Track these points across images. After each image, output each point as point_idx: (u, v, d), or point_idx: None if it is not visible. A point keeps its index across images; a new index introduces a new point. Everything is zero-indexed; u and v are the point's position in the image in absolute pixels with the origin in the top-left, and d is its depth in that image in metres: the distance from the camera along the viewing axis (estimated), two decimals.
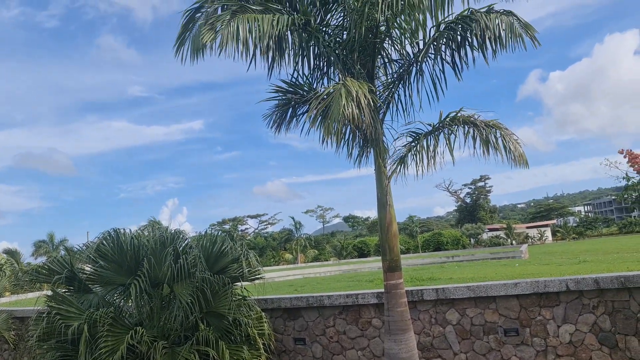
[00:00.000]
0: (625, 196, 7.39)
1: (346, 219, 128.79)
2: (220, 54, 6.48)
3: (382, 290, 8.16)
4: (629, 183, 7.13)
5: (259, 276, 9.42)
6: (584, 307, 8.20)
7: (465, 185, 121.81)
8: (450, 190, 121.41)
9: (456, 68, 7.47)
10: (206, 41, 6.32)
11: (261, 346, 8.82)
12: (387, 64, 8.27)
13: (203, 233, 9.48)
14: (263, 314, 9.38)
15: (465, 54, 7.27)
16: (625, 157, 7.28)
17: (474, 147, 7.61)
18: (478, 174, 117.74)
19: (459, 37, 7.14)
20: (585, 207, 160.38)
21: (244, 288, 9.31)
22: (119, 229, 8.66)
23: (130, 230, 8.88)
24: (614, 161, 7.19)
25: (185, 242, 9.08)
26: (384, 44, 8.00)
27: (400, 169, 7.95)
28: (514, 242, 78.57)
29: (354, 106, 5.88)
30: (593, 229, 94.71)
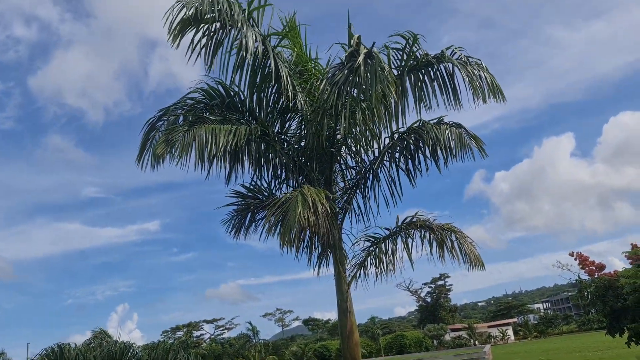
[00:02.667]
0: (580, 298, 7.54)
1: (306, 322, 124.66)
2: (177, 162, 6.56)
3: None
4: (582, 286, 7.28)
5: None
6: None
7: (425, 284, 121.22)
8: (411, 289, 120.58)
9: (410, 175, 7.77)
10: (160, 153, 6.43)
11: None
12: (345, 170, 8.52)
13: (155, 342, 8.98)
14: None
15: (419, 162, 7.62)
16: (575, 259, 7.49)
17: (431, 250, 7.72)
18: (437, 273, 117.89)
19: (412, 147, 7.51)
20: (544, 304, 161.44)
21: None
22: (63, 344, 8.10)
23: (75, 344, 8.32)
24: (565, 264, 7.38)
25: (136, 355, 8.54)
26: (341, 152, 8.28)
27: (360, 274, 7.93)
28: (476, 342, 77.47)
29: (310, 213, 5.94)
30: (553, 327, 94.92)
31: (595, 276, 7.26)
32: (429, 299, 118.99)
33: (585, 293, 7.26)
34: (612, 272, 7.30)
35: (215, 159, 6.96)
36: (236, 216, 8.60)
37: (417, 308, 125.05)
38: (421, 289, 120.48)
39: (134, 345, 8.64)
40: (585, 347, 32.37)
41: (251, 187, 8.23)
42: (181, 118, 7.50)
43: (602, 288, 7.12)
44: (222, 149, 6.61)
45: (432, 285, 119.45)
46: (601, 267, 7.31)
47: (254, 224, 8.54)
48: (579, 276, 7.32)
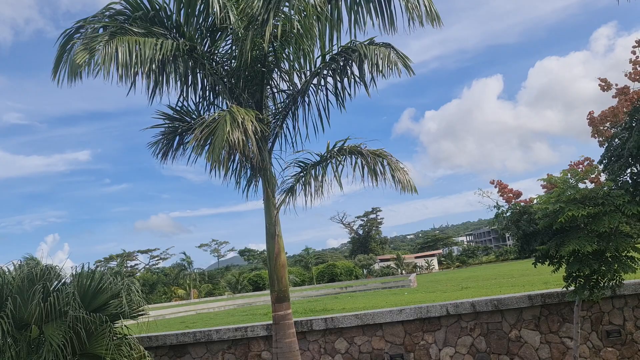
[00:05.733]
0: (496, 224, 8.01)
1: (241, 253, 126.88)
2: (97, 76, 6.17)
3: (272, 322, 8.02)
4: (499, 211, 7.69)
5: (142, 313, 8.86)
6: (462, 329, 8.62)
7: (358, 217, 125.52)
8: (344, 222, 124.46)
9: (339, 97, 7.71)
10: (80, 61, 5.97)
11: None
12: (276, 94, 8.35)
13: (79, 269, 8.75)
14: (146, 352, 8.79)
15: (349, 83, 7.54)
16: (495, 187, 7.86)
17: (362, 176, 7.79)
18: (370, 206, 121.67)
19: (341, 67, 7.41)
20: (467, 237, 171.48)
21: (125, 326, 8.70)
22: None
23: None
24: (486, 191, 7.73)
25: (59, 278, 8.33)
26: (273, 75, 8.08)
27: (289, 200, 7.95)
28: (403, 271, 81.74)
29: (239, 133, 5.81)
30: (474, 257, 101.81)
31: (512, 202, 7.66)
32: (360, 232, 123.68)
33: (501, 218, 7.67)
34: (528, 199, 7.72)
35: (140, 73, 6.56)
36: (163, 139, 8.33)
37: (349, 240, 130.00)
38: (354, 221, 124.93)
39: (57, 267, 8.40)
40: (500, 275, 34.85)
41: (178, 108, 7.93)
42: (101, 30, 6.97)
43: (517, 213, 7.55)
44: (148, 61, 6.24)
45: (364, 219, 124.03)
46: (518, 194, 7.72)
47: (182, 147, 8.32)
48: (497, 202, 7.70)
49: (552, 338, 8.41)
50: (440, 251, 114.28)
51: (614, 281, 6.82)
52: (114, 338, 8.23)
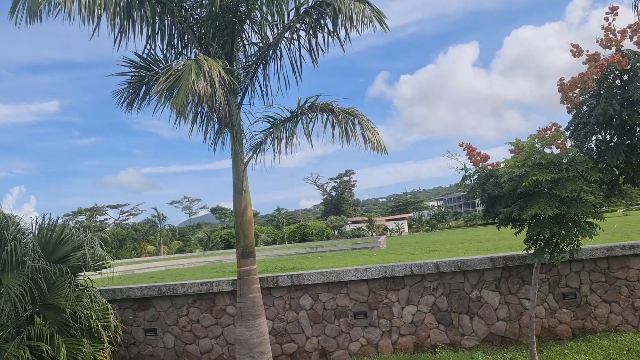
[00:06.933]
0: (462, 186, 8.06)
1: (213, 211, 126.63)
2: (57, 16, 5.85)
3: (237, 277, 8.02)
4: (466, 174, 7.72)
5: (106, 265, 8.77)
6: (425, 289, 8.79)
7: (331, 179, 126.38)
8: (317, 183, 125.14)
9: (312, 54, 7.52)
10: None
11: (105, 339, 8.21)
12: (248, 46, 8.10)
13: (41, 220, 8.54)
14: (109, 305, 8.75)
15: (323, 39, 7.34)
16: (464, 149, 7.85)
17: (333, 135, 7.71)
18: (344, 169, 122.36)
19: (314, 20, 7.20)
20: (438, 202, 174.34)
21: (88, 279, 8.60)
22: None
23: None
24: (454, 153, 7.73)
25: (17, 228, 8.14)
26: (245, 27, 7.82)
27: (257, 156, 7.84)
28: (374, 233, 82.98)
29: (205, 83, 5.62)
30: (444, 221, 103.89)
31: (480, 166, 7.68)
32: (333, 193, 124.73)
33: (468, 181, 7.70)
34: (495, 163, 7.75)
35: (104, 16, 6.21)
36: (129, 88, 8.03)
37: (322, 201, 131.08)
38: (327, 183, 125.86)
39: (16, 217, 8.19)
40: (467, 239, 35.69)
41: (145, 56, 7.63)
42: None
43: (484, 177, 7.59)
44: (113, 2, 5.91)
45: (338, 181, 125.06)
46: (485, 157, 7.73)
47: (148, 97, 8.04)
48: (465, 165, 7.71)
49: (511, 299, 8.65)
50: (411, 215, 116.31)
51: (573, 245, 6.97)
52: (75, 290, 8.15)
